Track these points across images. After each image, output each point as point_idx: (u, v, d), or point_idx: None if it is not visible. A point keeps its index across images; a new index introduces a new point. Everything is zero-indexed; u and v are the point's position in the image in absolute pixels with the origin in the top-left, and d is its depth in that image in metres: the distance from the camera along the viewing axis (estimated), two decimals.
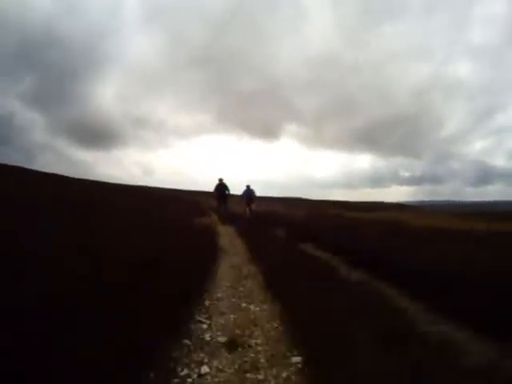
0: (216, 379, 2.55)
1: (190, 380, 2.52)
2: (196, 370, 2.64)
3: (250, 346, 3.07)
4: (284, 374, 2.61)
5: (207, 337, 3.23)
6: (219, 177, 14.73)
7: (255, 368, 2.70)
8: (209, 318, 3.70)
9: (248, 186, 15.89)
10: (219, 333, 3.33)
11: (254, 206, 16.25)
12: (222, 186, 14.72)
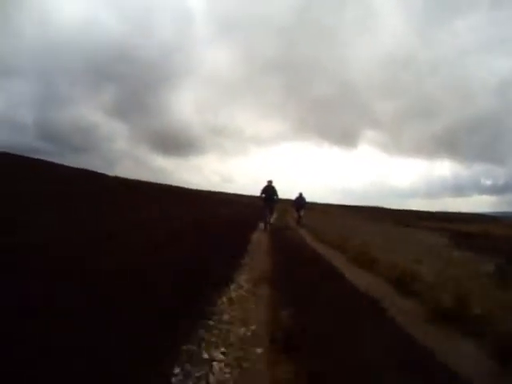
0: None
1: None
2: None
3: None
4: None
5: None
6: (268, 179, 13.07)
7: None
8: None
9: (300, 194, 17.68)
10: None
11: (302, 212, 17.85)
12: (270, 189, 12.92)
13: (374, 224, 24.86)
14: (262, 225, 13.45)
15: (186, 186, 41.20)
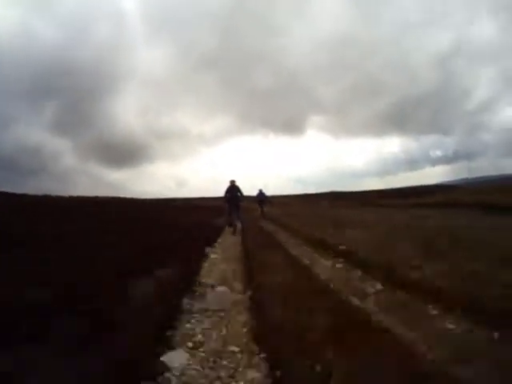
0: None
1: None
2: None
3: None
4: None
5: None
6: (231, 178, 12.67)
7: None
8: None
9: (260, 190, 19.89)
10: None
11: (265, 207, 20.21)
12: (233, 189, 12.51)
13: (347, 210, 21.14)
14: (229, 227, 12.87)
15: (141, 196, 35.77)
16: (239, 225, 13.10)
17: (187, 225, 13.07)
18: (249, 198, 18.47)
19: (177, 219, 15.40)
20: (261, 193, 19.82)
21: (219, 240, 10.36)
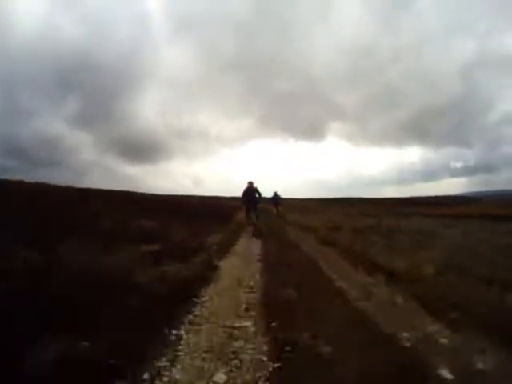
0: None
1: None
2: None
3: None
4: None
5: None
6: (249, 179, 12.13)
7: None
8: None
9: (275, 193, 21.14)
10: None
11: (280, 208, 21.60)
12: (251, 190, 12.02)
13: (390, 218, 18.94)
14: (249, 229, 12.32)
15: (159, 192, 34.72)
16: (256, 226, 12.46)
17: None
18: (264, 199, 16.73)
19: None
20: (276, 195, 21.11)
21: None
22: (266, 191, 19.69)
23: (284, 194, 24.84)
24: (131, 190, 26.50)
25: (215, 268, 5.89)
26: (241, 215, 14.58)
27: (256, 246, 9.01)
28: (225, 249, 7.94)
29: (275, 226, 13.37)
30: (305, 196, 76.46)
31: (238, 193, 12.36)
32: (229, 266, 6.20)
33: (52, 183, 16.19)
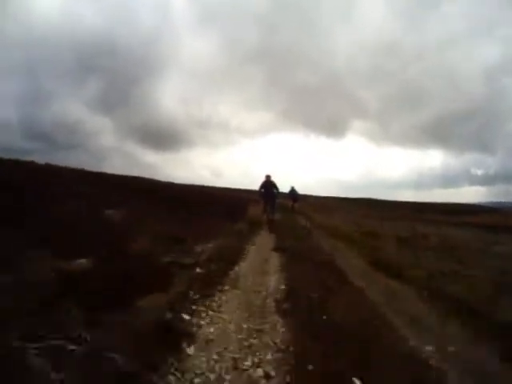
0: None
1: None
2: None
3: None
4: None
5: None
6: (266, 173, 11.91)
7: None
8: None
9: (292, 187, 20.77)
10: None
11: (297, 205, 21.20)
12: (269, 184, 11.73)
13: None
14: (263, 232, 11.19)
15: (177, 181, 33.32)
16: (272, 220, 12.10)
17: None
18: (281, 194, 16.62)
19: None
20: (293, 190, 20.83)
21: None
22: (284, 186, 19.54)
23: (301, 190, 24.44)
24: (148, 176, 25.52)
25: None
26: (254, 210, 13.62)
27: (274, 267, 5.64)
28: (217, 276, 4.56)
29: (301, 232, 11.15)
30: (322, 194, 74.81)
31: (256, 186, 12.05)
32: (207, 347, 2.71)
33: (64, 165, 14.61)
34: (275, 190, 11.84)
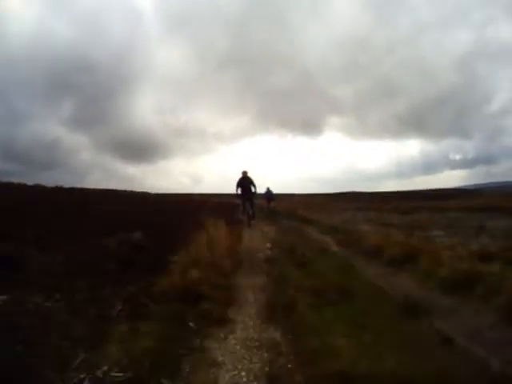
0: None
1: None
2: None
3: None
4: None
5: None
6: (243, 169, 11.41)
7: None
8: None
9: (268, 188, 21.01)
10: None
11: (272, 203, 21.51)
12: (246, 181, 11.29)
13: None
14: (244, 219, 12.23)
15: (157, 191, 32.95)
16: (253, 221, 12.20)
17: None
18: (257, 195, 17.16)
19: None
20: (268, 191, 21.12)
21: None
22: (263, 187, 20.45)
23: (283, 190, 26.71)
24: (130, 189, 24.82)
25: None
26: (219, 230, 12.03)
27: None
28: None
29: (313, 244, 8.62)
30: (305, 192, 74.28)
31: (233, 185, 11.41)
32: None
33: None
34: (253, 187, 11.40)
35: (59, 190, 16.38)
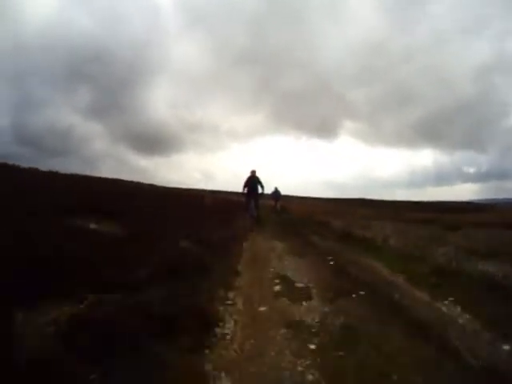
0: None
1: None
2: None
3: None
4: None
5: None
6: (252, 169, 11.73)
7: None
8: None
9: (276, 188, 21.34)
10: None
11: (279, 203, 21.64)
12: (253, 180, 11.60)
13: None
14: (248, 219, 11.72)
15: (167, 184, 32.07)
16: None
17: None
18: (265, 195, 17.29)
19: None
20: (276, 190, 21.33)
21: None
22: (272, 188, 20.98)
23: (295, 192, 26.09)
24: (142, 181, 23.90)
25: None
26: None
27: None
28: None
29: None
30: (317, 196, 72.33)
31: (241, 185, 11.74)
32: None
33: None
34: (260, 187, 11.64)
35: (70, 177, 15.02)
